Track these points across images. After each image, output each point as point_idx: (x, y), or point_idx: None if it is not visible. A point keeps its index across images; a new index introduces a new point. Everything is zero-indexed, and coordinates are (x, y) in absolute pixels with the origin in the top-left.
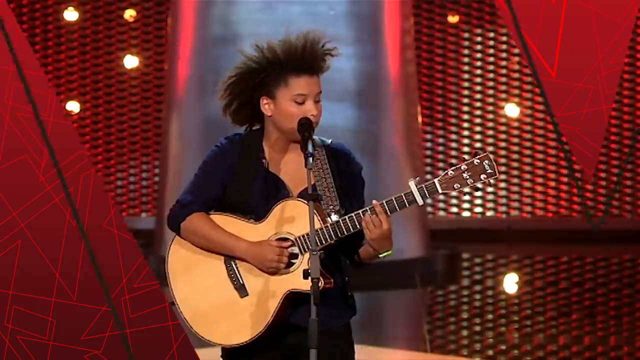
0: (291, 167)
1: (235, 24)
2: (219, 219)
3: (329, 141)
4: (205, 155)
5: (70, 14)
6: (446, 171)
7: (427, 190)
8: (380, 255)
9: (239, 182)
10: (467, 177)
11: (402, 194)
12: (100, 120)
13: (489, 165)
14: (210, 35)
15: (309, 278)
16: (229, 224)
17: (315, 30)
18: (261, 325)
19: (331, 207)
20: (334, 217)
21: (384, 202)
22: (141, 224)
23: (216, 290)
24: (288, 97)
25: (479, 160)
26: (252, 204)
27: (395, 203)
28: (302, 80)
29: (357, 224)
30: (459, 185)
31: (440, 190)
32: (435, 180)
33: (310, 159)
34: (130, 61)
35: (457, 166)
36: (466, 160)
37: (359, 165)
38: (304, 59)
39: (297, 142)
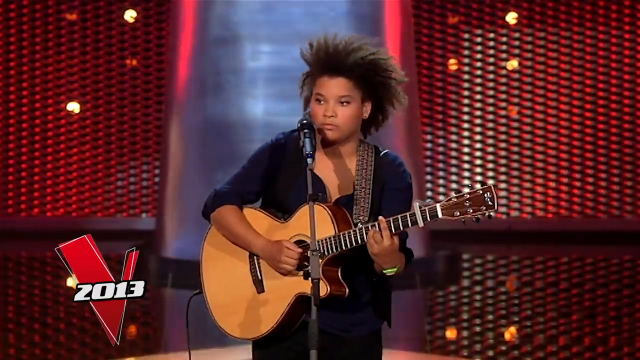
0: (333, 171)
1: (236, 24)
2: (250, 213)
3: (384, 151)
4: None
5: (71, 14)
6: (450, 197)
7: (428, 213)
8: (385, 271)
9: (283, 180)
10: (468, 205)
11: (407, 214)
12: (100, 120)
13: (489, 197)
14: (210, 35)
15: (309, 279)
16: (257, 219)
17: (359, 35)
18: (270, 323)
19: (361, 217)
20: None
21: (390, 219)
22: (141, 224)
23: (238, 283)
24: (313, 95)
25: (481, 191)
26: (290, 203)
27: (400, 222)
28: (323, 80)
29: (365, 237)
30: (459, 214)
31: (440, 215)
32: (438, 205)
33: (310, 159)
34: (131, 60)
35: (461, 193)
36: (470, 188)
37: (407, 180)
38: (326, 59)
39: (332, 144)
